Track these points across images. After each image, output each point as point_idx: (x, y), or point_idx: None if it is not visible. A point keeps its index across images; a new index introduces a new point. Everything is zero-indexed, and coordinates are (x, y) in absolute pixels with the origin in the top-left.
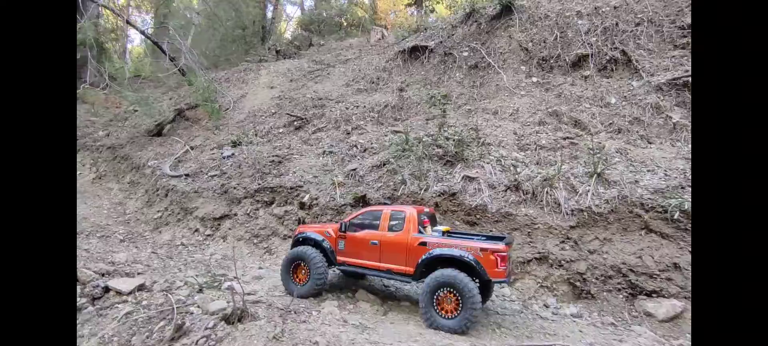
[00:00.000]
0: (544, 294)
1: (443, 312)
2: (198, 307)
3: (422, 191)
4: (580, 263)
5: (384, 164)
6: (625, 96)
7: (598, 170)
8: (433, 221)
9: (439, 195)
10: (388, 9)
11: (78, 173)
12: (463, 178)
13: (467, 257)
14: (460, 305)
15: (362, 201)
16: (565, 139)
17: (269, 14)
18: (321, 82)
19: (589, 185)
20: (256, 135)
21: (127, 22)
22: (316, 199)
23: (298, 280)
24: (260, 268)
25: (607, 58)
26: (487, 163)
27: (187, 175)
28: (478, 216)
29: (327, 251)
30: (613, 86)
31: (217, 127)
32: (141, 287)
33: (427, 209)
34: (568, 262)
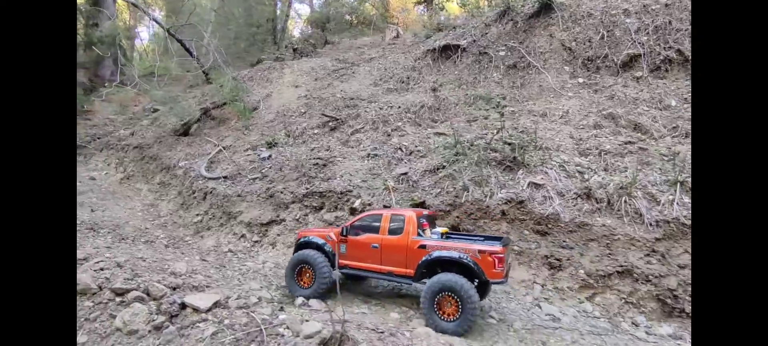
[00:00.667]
0: (629, 310)
1: (444, 315)
2: (287, 328)
3: (487, 198)
4: (670, 279)
5: (438, 169)
6: (686, 98)
7: (680, 179)
8: (433, 223)
9: (506, 202)
10: (399, 6)
11: (104, 172)
12: (528, 184)
13: (465, 259)
14: (460, 308)
15: (422, 207)
16: (628, 143)
17: (278, 12)
18: (347, 81)
19: (672, 194)
20: (288, 136)
21: (154, 20)
22: (369, 204)
23: (303, 283)
24: None
25: (661, 58)
26: (550, 168)
27: (225, 177)
28: (549, 226)
29: (329, 254)
30: (670, 88)
31: (247, 127)
32: (217, 304)
33: (426, 212)
34: (656, 277)
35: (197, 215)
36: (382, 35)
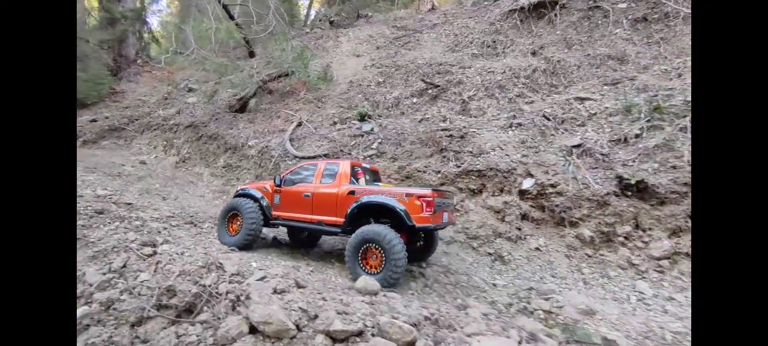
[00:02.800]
0: None
1: (368, 267)
2: None
3: None
4: None
5: (636, 138)
6: None
7: None
8: (376, 178)
9: None
10: None
11: (153, 156)
12: None
13: (391, 203)
14: (383, 261)
15: (641, 188)
16: None
17: None
18: (414, 49)
19: None
20: (376, 106)
21: None
22: (556, 185)
23: (232, 230)
24: (494, 283)
25: None
26: None
27: (326, 155)
28: None
29: (262, 205)
30: None
31: (320, 99)
32: None
33: (366, 165)
34: None
35: None
36: (416, 7)
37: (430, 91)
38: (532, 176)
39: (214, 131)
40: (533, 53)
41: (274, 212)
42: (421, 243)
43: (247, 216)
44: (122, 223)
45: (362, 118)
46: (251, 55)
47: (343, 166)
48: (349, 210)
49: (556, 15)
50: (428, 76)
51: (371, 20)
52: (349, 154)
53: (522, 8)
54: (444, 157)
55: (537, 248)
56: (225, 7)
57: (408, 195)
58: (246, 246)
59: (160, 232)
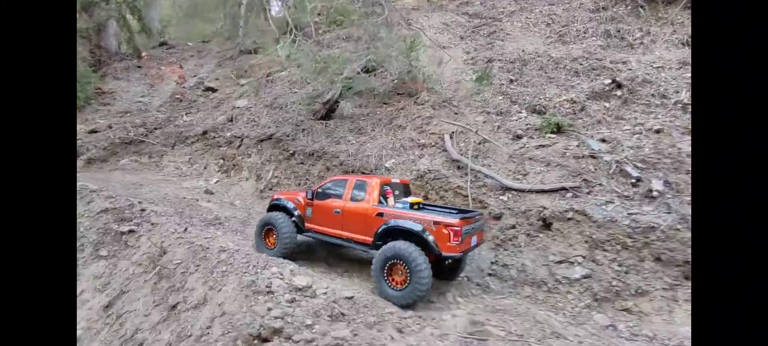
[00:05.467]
0: None
1: (393, 283)
2: None
3: None
4: None
5: None
6: None
7: None
8: (406, 192)
9: None
10: None
11: (214, 180)
12: None
13: (417, 230)
14: (408, 277)
15: None
16: None
17: None
18: (506, 39)
19: None
20: (538, 112)
21: None
22: None
23: (269, 243)
24: None
25: None
26: None
27: (564, 188)
28: None
29: (296, 218)
30: None
31: (447, 103)
32: None
33: (396, 180)
34: None
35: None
36: None
37: (617, 93)
38: None
39: (309, 147)
40: (684, 44)
41: (306, 224)
42: (448, 262)
43: (282, 230)
44: None
45: (558, 128)
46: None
47: (372, 183)
48: (377, 231)
49: None
50: (578, 73)
51: (436, 7)
52: (608, 189)
53: None
54: None
55: None
56: None
57: (436, 223)
58: (285, 256)
59: None
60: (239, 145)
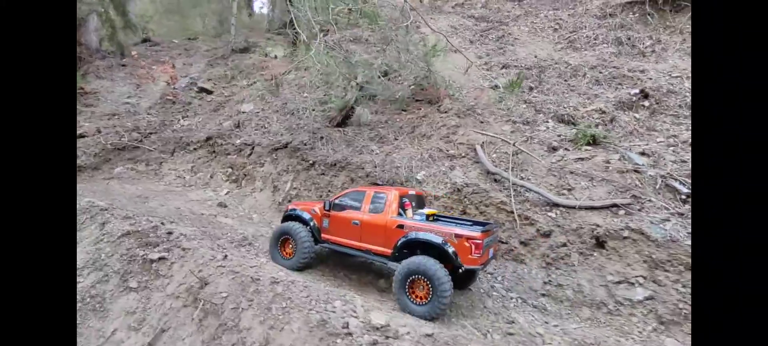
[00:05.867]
0: None
1: (415, 298)
2: None
3: None
4: None
5: None
6: None
7: None
8: (421, 204)
9: None
10: None
11: (224, 191)
12: None
13: (440, 243)
14: (431, 292)
15: None
16: None
17: None
18: (515, 44)
19: None
20: (567, 121)
21: None
22: None
23: (285, 254)
24: None
25: None
26: None
27: (615, 205)
28: None
29: (312, 228)
30: None
31: (464, 112)
32: None
33: (412, 192)
34: None
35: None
36: None
37: (644, 103)
38: None
39: (331, 156)
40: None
41: (323, 235)
42: (462, 271)
43: (300, 241)
44: None
45: (594, 140)
46: (296, 46)
47: (391, 196)
48: (397, 243)
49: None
50: (593, 82)
51: (442, 10)
52: (653, 206)
53: (652, 0)
54: None
55: None
56: None
57: (457, 236)
58: (302, 268)
59: None
60: (250, 154)
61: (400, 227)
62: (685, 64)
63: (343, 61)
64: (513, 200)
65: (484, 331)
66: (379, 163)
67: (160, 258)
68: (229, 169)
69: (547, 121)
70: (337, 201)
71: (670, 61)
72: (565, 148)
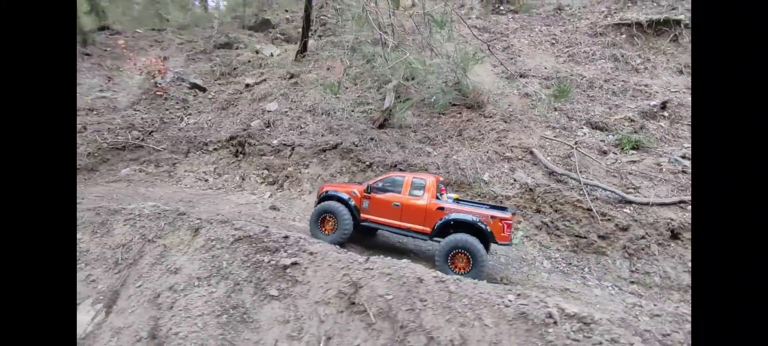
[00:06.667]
0: None
1: (456, 268)
2: None
3: None
4: None
5: None
6: None
7: None
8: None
9: None
10: None
11: (267, 193)
12: None
13: (479, 223)
14: (471, 263)
15: None
16: None
17: None
18: (520, 55)
19: None
20: (601, 128)
21: None
22: None
23: (326, 230)
24: None
25: None
26: None
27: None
28: None
29: (352, 208)
30: None
31: (507, 118)
32: None
33: (441, 179)
34: None
35: None
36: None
37: (664, 113)
38: None
39: (388, 158)
40: (680, 72)
41: (362, 215)
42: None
43: (343, 219)
44: None
45: (636, 145)
46: (302, 52)
47: (430, 181)
48: (438, 223)
49: (679, 34)
50: (625, 94)
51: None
52: None
53: (638, 23)
54: None
55: None
56: None
57: (492, 217)
58: (342, 243)
59: None
60: (290, 155)
61: (440, 209)
62: (677, 80)
63: (374, 65)
64: (587, 197)
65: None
66: (442, 164)
67: (293, 263)
68: (265, 171)
69: (582, 128)
70: (376, 185)
71: (663, 77)
72: (613, 152)
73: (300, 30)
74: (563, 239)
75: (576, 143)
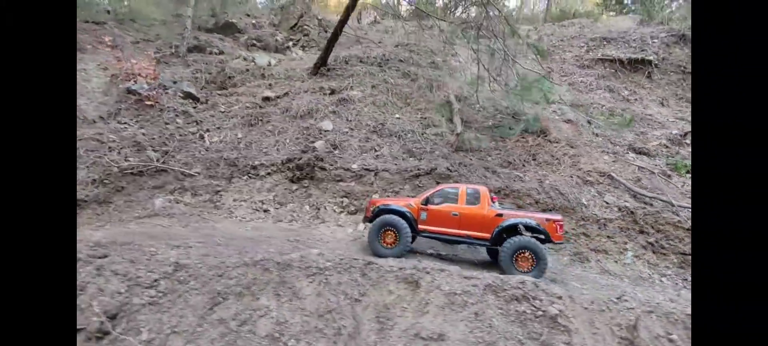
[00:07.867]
0: None
1: (520, 267)
2: None
3: None
4: None
5: None
6: None
7: None
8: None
9: None
10: None
11: (360, 225)
12: None
13: (537, 226)
14: (535, 261)
15: None
16: None
17: None
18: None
19: None
20: (643, 152)
21: None
22: None
23: (386, 244)
24: None
25: None
26: None
27: None
28: None
29: (411, 220)
30: None
31: (569, 141)
32: None
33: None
34: None
35: None
36: (358, 17)
37: (686, 140)
38: None
39: (489, 183)
40: (662, 103)
41: (420, 226)
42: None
43: (404, 232)
44: None
45: (688, 169)
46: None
47: (484, 191)
48: (497, 227)
49: (650, 73)
50: (642, 122)
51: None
52: None
53: (620, 60)
54: None
55: None
56: None
57: (548, 220)
58: (403, 255)
59: None
60: (373, 181)
61: (499, 215)
62: (666, 111)
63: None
64: (681, 216)
65: None
66: (540, 189)
67: (559, 312)
68: (344, 199)
69: (627, 153)
70: (431, 197)
71: (653, 108)
72: (678, 176)
73: (278, 38)
74: (670, 257)
75: (638, 169)
